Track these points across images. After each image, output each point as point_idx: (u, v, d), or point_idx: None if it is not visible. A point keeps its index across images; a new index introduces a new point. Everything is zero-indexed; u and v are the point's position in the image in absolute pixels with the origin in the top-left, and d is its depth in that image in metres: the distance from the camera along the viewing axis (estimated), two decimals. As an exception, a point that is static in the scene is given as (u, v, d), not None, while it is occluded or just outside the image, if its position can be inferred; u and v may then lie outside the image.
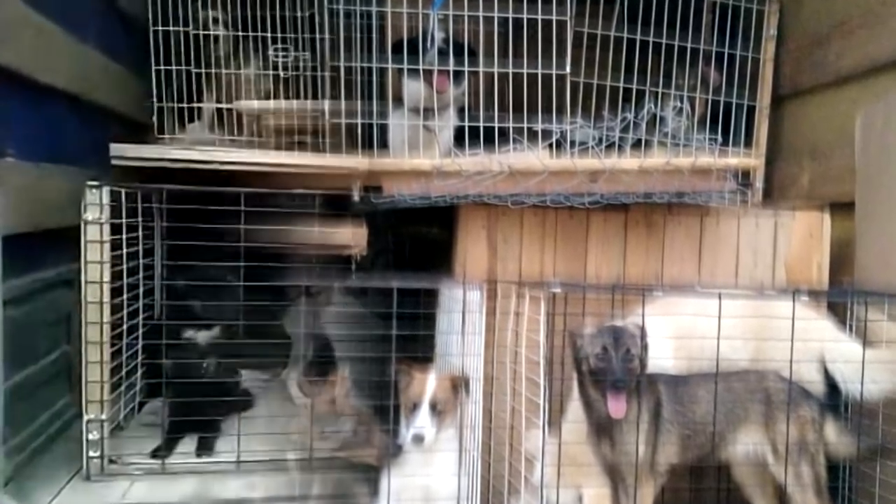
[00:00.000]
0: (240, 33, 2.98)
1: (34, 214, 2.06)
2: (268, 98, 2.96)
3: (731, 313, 1.94)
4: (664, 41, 2.60)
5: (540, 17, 2.37)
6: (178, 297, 2.30)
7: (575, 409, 2.05)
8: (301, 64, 2.92)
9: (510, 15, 2.36)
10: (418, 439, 1.86)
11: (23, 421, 2.03)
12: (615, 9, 2.59)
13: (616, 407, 1.86)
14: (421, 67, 2.45)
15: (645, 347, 1.91)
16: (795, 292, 2.00)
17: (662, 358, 2.05)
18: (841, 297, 2.24)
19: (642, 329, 1.91)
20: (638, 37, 2.55)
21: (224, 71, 2.98)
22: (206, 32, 2.94)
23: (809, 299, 2.07)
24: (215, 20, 2.95)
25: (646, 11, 2.61)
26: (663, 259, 2.48)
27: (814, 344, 2.05)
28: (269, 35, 2.94)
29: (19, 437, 1.99)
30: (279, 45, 2.90)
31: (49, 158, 2.19)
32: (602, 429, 1.95)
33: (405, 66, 2.44)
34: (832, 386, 2.09)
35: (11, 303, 1.99)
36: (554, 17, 2.36)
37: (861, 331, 2.06)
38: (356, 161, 2.64)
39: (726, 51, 2.76)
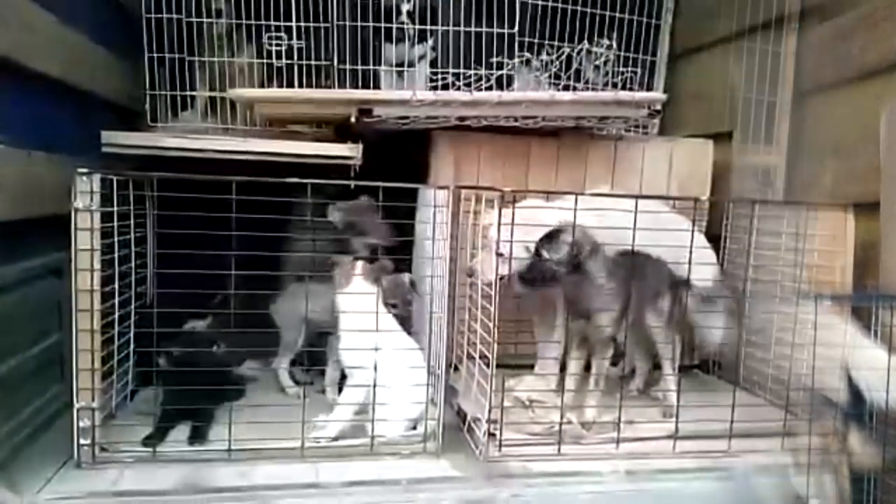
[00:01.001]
0: (233, 21, 2.96)
1: (24, 202, 2.05)
2: (262, 86, 2.94)
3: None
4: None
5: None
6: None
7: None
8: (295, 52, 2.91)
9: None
10: None
11: (13, 409, 2.03)
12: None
13: None
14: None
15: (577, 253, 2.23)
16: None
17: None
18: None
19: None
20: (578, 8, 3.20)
21: (217, 59, 2.96)
22: (199, 20, 2.92)
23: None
24: (209, 11, 2.93)
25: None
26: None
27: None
28: (263, 23, 2.92)
29: (9, 425, 1.99)
30: (273, 33, 2.89)
31: (40, 146, 2.18)
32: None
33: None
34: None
35: (3, 290, 1.98)
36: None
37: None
38: (350, 149, 2.67)
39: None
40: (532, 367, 2.81)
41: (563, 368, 2.53)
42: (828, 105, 2.75)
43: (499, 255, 2.33)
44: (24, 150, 2.08)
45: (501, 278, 2.34)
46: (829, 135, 2.70)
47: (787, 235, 2.56)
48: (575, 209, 2.22)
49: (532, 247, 2.29)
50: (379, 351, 2.19)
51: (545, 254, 2.26)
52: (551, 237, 2.27)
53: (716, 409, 2.26)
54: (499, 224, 2.27)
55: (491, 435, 2.20)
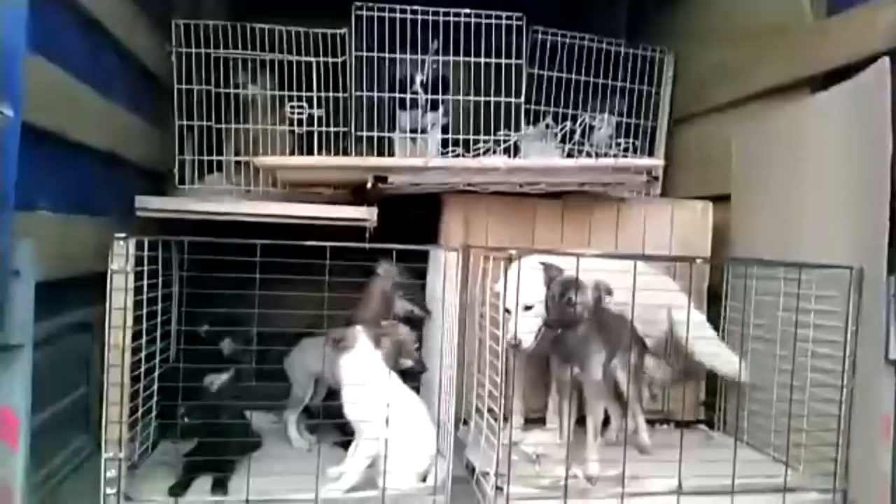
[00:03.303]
0: (258, 92, 3.18)
1: (63, 263, 2.18)
2: (283, 152, 3.13)
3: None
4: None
5: (503, 61, 3.26)
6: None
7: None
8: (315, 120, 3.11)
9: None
10: None
11: (43, 460, 2.12)
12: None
13: None
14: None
15: (599, 298, 2.41)
16: (692, 260, 2.73)
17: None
18: (721, 263, 3.09)
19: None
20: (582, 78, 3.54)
21: (243, 126, 3.16)
22: (227, 91, 3.13)
23: (702, 262, 3.06)
24: (236, 83, 3.15)
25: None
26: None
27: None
28: (286, 93, 3.13)
29: (39, 475, 2.08)
30: (295, 103, 3.09)
31: (77, 210, 2.34)
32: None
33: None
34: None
35: (37, 346, 2.10)
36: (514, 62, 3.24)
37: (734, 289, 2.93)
38: (368, 212, 2.82)
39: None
40: (544, 420, 2.89)
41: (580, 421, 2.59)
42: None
43: (507, 311, 2.43)
44: (63, 214, 2.23)
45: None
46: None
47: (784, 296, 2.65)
48: (577, 267, 2.33)
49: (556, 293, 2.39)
50: (382, 405, 2.25)
51: (573, 297, 2.37)
52: (573, 282, 2.36)
53: (719, 464, 2.32)
54: (505, 282, 2.39)
55: (498, 489, 2.27)
